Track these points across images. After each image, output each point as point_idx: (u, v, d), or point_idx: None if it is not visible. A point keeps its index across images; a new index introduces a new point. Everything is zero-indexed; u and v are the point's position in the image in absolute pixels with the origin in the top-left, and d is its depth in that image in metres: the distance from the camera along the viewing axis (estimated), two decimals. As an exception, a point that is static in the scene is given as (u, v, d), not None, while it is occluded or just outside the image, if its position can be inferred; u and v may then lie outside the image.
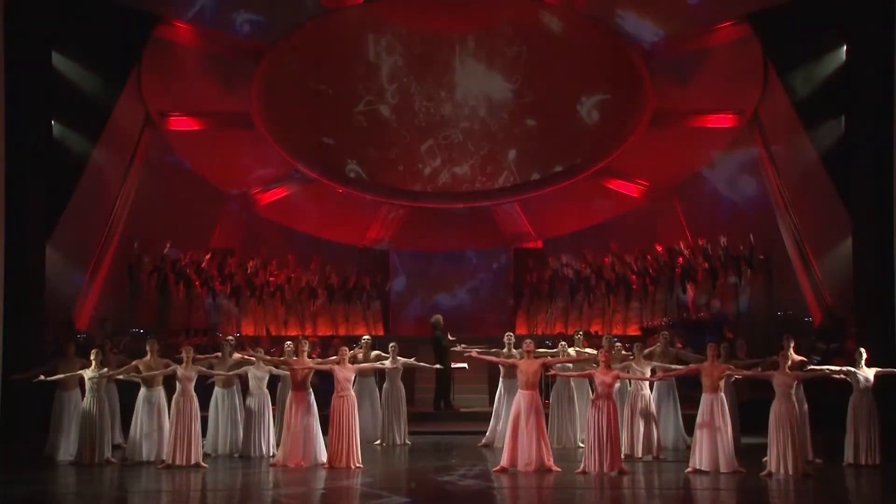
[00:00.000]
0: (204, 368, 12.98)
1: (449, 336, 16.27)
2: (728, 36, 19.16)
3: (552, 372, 13.40)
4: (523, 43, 20.52)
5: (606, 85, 20.38)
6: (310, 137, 20.92)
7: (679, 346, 15.25)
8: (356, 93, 20.84)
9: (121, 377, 13.05)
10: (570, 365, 13.76)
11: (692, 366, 12.72)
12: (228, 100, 20.07)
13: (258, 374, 13.30)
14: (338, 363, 12.51)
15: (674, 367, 13.26)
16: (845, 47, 16.68)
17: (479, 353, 13.54)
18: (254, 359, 13.40)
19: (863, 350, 12.56)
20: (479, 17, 20.43)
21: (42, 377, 12.93)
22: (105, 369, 12.82)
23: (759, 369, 12.64)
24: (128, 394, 13.48)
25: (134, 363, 12.94)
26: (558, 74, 20.54)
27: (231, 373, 13.35)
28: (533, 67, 20.60)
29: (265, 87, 20.29)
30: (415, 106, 20.90)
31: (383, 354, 14.47)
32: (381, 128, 20.96)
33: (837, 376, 12.45)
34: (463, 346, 14.88)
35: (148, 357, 12.88)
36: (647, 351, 13.66)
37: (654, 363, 13.37)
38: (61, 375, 12.96)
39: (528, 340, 12.69)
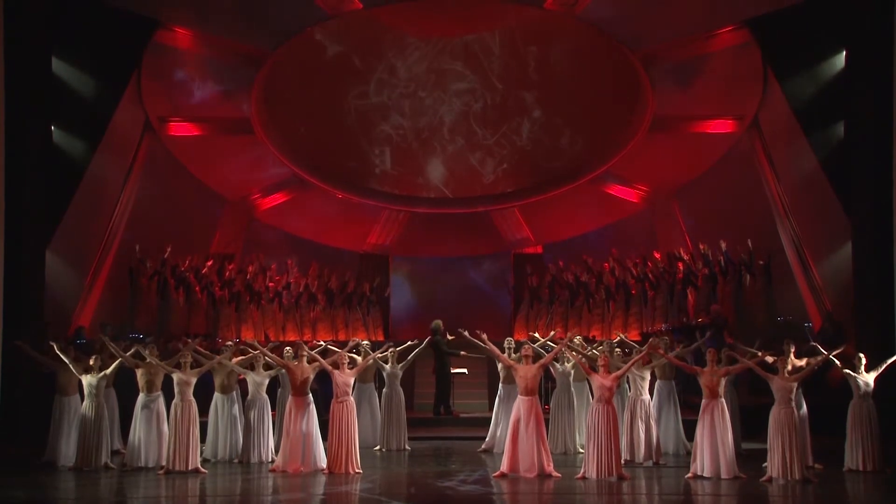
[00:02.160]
0: (202, 360, 13.00)
1: (448, 336, 16.25)
2: (727, 41, 19.17)
3: (561, 344, 13.15)
4: (519, 43, 20.55)
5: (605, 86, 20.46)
6: (310, 143, 20.94)
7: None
8: (356, 98, 20.86)
9: (122, 363, 12.92)
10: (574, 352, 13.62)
11: (693, 366, 12.69)
12: (228, 105, 20.10)
13: (257, 379, 13.27)
14: (336, 367, 12.50)
15: (676, 360, 13.21)
16: (845, 53, 16.68)
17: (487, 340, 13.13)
18: (252, 353, 13.36)
19: (862, 355, 12.56)
20: (477, 21, 20.45)
21: (52, 343, 12.99)
22: (103, 373, 12.79)
23: (758, 351, 12.73)
24: (127, 399, 13.47)
25: (134, 358, 12.90)
26: (554, 71, 20.61)
27: (231, 363, 13.30)
28: (529, 67, 20.67)
29: (265, 93, 20.32)
30: (417, 112, 20.93)
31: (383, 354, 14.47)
32: (390, 139, 21.03)
33: (838, 358, 12.45)
34: (464, 349, 14.76)
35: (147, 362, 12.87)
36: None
37: (654, 364, 13.37)
38: (64, 359, 12.90)
39: (526, 345, 12.64)
